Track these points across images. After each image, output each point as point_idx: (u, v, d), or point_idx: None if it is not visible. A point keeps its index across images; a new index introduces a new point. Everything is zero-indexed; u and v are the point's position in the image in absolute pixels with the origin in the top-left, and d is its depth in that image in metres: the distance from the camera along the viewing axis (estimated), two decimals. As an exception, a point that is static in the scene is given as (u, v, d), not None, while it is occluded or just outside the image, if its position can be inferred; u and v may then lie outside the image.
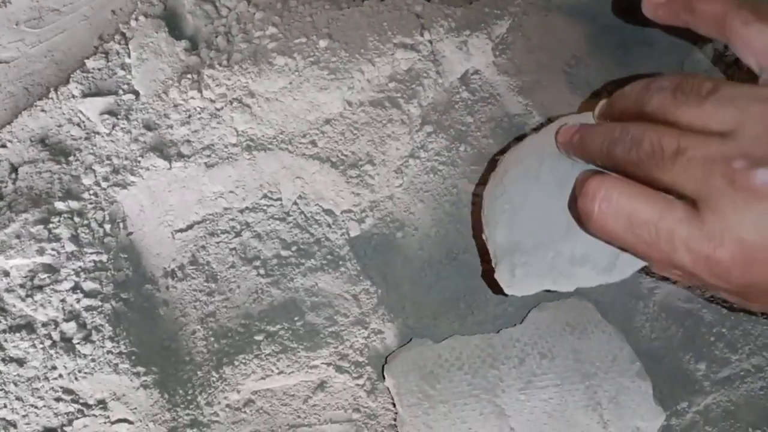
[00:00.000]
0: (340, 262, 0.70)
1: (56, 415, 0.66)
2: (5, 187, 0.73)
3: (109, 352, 0.66)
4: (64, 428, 0.66)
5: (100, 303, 0.66)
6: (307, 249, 0.71)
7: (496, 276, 0.59)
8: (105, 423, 0.66)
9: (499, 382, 0.63)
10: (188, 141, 0.72)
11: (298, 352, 0.68)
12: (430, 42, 0.73)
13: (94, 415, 0.66)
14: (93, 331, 0.66)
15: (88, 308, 0.66)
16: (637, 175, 0.42)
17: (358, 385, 0.68)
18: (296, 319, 0.69)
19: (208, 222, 0.73)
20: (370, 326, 0.69)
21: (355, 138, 0.72)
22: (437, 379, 0.64)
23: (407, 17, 0.74)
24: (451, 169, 0.73)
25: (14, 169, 0.75)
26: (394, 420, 0.68)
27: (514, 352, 0.64)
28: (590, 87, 0.78)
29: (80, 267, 0.67)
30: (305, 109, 0.72)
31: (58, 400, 0.66)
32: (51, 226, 0.67)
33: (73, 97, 0.73)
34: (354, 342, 0.68)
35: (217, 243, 0.72)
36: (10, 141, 0.75)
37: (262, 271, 0.71)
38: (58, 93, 0.74)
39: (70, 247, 0.67)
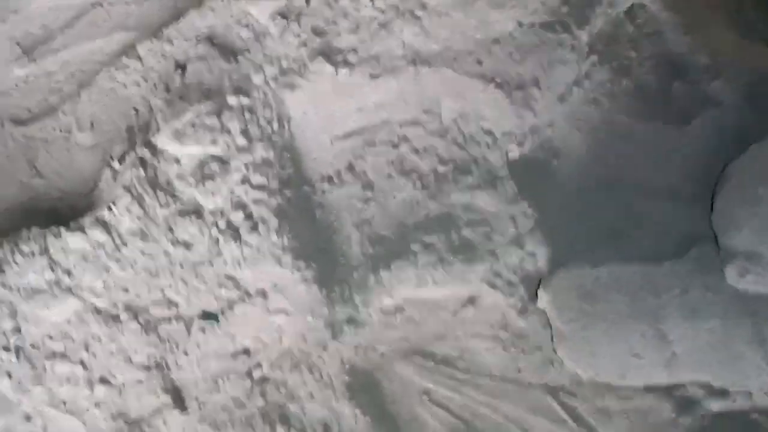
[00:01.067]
0: (498, 183, 0.71)
1: (217, 299, 0.69)
2: (172, 81, 0.75)
3: (273, 244, 0.68)
4: (225, 313, 0.68)
5: (266, 197, 0.69)
6: (465, 166, 0.72)
7: (725, 269, 0.62)
8: (264, 312, 0.68)
9: (661, 309, 0.63)
10: (355, 50, 0.73)
11: (454, 264, 0.69)
12: (604, -32, 0.72)
13: (254, 303, 0.68)
14: (259, 223, 0.68)
15: (255, 200, 0.69)
16: None
17: (509, 304, 0.70)
18: (452, 232, 0.70)
19: (367, 132, 0.74)
20: (526, 247, 0.70)
21: (522, 59, 0.72)
22: (596, 299, 0.65)
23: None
24: (612, 102, 0.73)
25: (179, 65, 0.77)
26: (543, 341, 0.69)
27: (677, 283, 0.65)
28: (757, 31, 0.76)
29: (249, 161, 0.69)
30: (475, 27, 0.72)
31: (220, 285, 0.69)
32: (223, 118, 0.69)
33: (244, -2, 0.75)
34: (509, 261, 0.70)
35: (375, 153, 0.73)
36: (176, 38, 0.77)
37: (418, 184, 0.72)
38: (229, -6, 0.75)
39: (241, 140, 0.69)
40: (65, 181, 0.78)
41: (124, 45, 0.83)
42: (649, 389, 0.66)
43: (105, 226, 0.65)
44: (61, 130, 0.79)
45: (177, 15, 0.82)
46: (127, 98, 0.79)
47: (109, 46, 0.83)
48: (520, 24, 0.73)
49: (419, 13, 0.73)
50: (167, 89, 0.75)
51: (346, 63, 0.73)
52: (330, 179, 0.73)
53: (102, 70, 0.81)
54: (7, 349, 0.64)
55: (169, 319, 0.66)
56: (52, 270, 0.64)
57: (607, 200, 0.72)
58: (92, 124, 0.78)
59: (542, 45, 0.72)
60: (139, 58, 0.78)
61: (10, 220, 0.76)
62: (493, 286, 0.69)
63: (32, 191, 0.77)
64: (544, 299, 0.67)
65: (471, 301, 0.70)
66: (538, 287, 0.69)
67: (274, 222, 0.67)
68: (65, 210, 0.76)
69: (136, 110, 0.79)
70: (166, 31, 0.79)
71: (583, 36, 0.73)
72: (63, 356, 0.64)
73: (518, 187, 0.72)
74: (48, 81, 0.81)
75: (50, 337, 0.65)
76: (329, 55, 0.73)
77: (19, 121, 0.80)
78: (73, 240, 0.64)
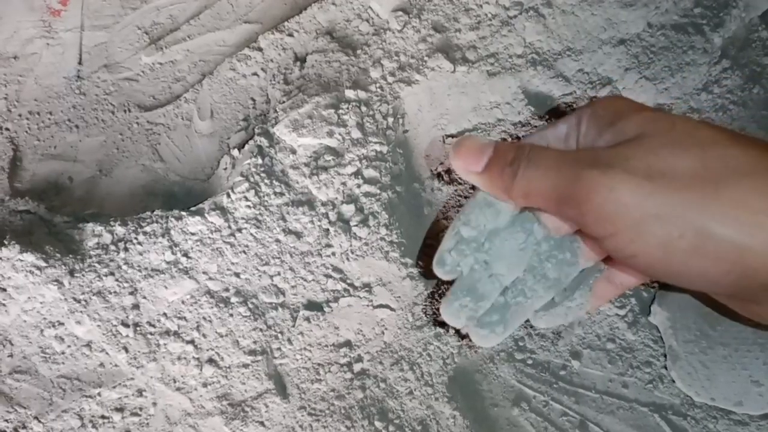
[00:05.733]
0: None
1: (323, 290, 0.68)
2: (290, 73, 0.76)
3: (382, 239, 0.67)
4: (330, 304, 0.68)
5: (378, 191, 0.68)
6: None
7: None
8: (368, 306, 0.68)
9: (788, 335, 0.59)
10: (474, 47, 0.71)
11: (565, 270, 0.66)
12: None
13: (358, 296, 0.68)
14: (370, 217, 0.67)
15: (366, 194, 0.68)
16: None
17: (618, 315, 0.66)
18: (564, 238, 0.67)
19: (480, 131, 0.72)
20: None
21: (650, 62, 0.68)
22: (718, 321, 0.61)
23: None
24: (742, 111, 0.68)
25: (297, 58, 0.77)
26: (653, 357, 0.65)
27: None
28: None
29: (363, 154, 0.69)
30: (601, 27, 0.69)
31: (327, 276, 0.68)
32: (340, 111, 0.69)
33: (365, -7, 0.74)
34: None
35: (487, 153, 0.71)
36: (297, 31, 0.78)
37: (531, 187, 0.69)
38: (350, -12, 0.75)
39: (356, 134, 0.69)
40: (183, 166, 0.80)
41: (246, 37, 0.85)
42: (765, 416, 0.61)
43: (223, 211, 0.66)
44: (182, 117, 0.81)
45: (298, 9, 0.83)
46: (245, 88, 0.80)
47: (232, 38, 0.84)
48: (650, 25, 0.69)
49: (545, 11, 0.70)
50: (286, 81, 0.75)
51: (465, 60, 0.71)
52: (440, 177, 0.72)
53: (224, 60, 0.82)
54: (126, 324, 0.66)
55: (276, 307, 0.67)
56: (172, 251, 0.66)
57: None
58: (212, 113, 0.80)
59: (672, 47, 0.68)
60: (260, 50, 0.79)
61: (131, 200, 0.79)
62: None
63: (153, 174, 0.79)
64: (659, 315, 0.63)
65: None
66: (653, 302, 0.65)
67: (384, 216, 0.67)
68: (182, 194, 0.78)
69: (254, 100, 0.80)
70: (287, 24, 0.80)
71: (716, 39, 0.68)
72: (176, 335, 0.66)
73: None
74: (172, 69, 0.83)
75: (165, 316, 0.66)
76: (448, 51, 0.71)
77: (143, 107, 0.83)
78: (193, 223, 0.66)
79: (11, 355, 0.70)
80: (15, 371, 0.70)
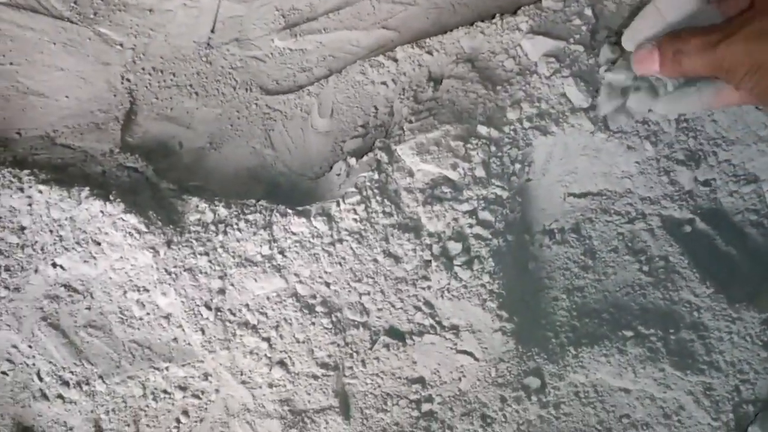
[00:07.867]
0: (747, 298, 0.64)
1: (409, 321, 0.66)
2: (422, 91, 0.74)
3: (483, 285, 0.65)
4: (413, 336, 0.66)
5: (489, 236, 0.66)
6: (708, 267, 0.65)
7: None
8: (451, 349, 0.66)
9: None
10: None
11: (664, 365, 0.63)
12: None
13: (444, 336, 0.66)
14: (475, 260, 0.65)
15: (477, 236, 0.66)
16: None
17: (710, 425, 0.62)
18: (671, 331, 0.64)
19: (604, 197, 0.69)
20: (749, 374, 0.62)
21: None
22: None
23: None
24: None
25: (431, 77, 0.75)
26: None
27: None
28: None
29: (482, 195, 0.66)
30: (761, 122, 0.64)
31: (416, 308, 0.66)
32: (469, 146, 0.67)
33: (519, 29, 0.71)
34: (726, 383, 0.62)
35: (606, 221, 0.69)
36: (437, 51, 0.76)
37: (645, 268, 0.67)
38: (504, 21, 0.72)
39: (480, 172, 0.66)
40: (293, 159, 0.79)
41: (380, 42, 0.83)
42: None
43: (329, 218, 0.64)
44: (301, 109, 0.80)
45: (440, 27, 0.81)
46: (370, 95, 0.79)
47: (367, 40, 0.83)
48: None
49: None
50: (416, 98, 0.73)
51: (606, 127, 0.68)
52: (552, 234, 0.70)
53: (355, 61, 0.81)
54: (208, 307, 0.65)
55: (358, 326, 0.65)
56: (270, 246, 0.64)
57: None
58: (332, 111, 0.78)
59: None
60: (395, 60, 0.77)
61: (235, 180, 0.78)
62: (698, 402, 0.63)
63: (261, 159, 0.78)
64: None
65: (671, 408, 0.63)
66: (752, 422, 0.61)
67: (490, 263, 0.64)
68: (286, 186, 0.77)
69: (376, 108, 0.79)
70: (428, 41, 0.78)
71: None
72: (254, 329, 0.65)
73: (757, 306, 0.64)
74: (301, 59, 0.82)
75: (248, 308, 0.65)
76: (592, 112, 0.68)
77: (265, 90, 0.82)
78: (297, 223, 0.64)
79: (89, 308, 0.70)
80: (90, 325, 0.69)
